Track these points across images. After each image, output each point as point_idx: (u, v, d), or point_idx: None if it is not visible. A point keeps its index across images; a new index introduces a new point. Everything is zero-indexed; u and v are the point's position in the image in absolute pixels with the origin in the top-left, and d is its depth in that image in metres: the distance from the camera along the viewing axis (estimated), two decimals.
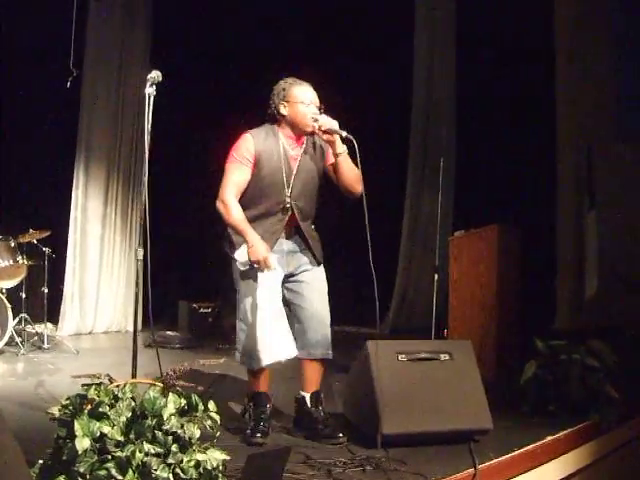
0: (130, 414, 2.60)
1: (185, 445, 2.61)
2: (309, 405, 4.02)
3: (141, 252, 3.34)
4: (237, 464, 2.96)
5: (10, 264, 6.56)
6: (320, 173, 4.08)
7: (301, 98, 3.95)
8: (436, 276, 6.15)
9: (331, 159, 4.03)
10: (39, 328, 6.86)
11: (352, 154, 3.87)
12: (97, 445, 2.53)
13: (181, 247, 8.85)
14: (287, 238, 4.01)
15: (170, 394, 2.67)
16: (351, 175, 3.95)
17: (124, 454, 2.50)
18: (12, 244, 6.63)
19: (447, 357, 4.04)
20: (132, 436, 2.56)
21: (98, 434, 2.53)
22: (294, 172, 3.97)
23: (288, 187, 3.94)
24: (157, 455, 2.54)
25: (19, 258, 6.63)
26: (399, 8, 8.57)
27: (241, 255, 3.85)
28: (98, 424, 2.53)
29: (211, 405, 2.77)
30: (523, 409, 4.56)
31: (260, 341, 3.80)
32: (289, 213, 3.96)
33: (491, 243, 5.79)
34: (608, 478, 4.47)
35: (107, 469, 2.48)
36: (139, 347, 3.47)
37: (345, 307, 6.11)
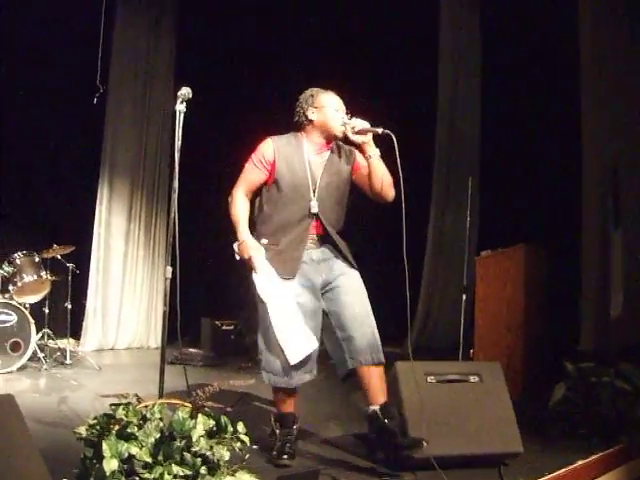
0: (159, 435, 2.57)
1: (214, 467, 2.57)
2: (382, 418, 3.77)
3: (170, 270, 3.31)
4: None
5: (34, 279, 6.59)
6: (347, 180, 4.02)
7: (330, 103, 3.94)
8: (464, 296, 6.08)
9: (361, 163, 3.97)
10: (62, 343, 6.87)
11: (386, 153, 3.80)
12: (125, 467, 2.50)
13: (204, 264, 8.82)
14: (315, 248, 3.94)
15: (199, 415, 2.63)
16: (384, 179, 3.88)
17: (152, 476, 2.47)
18: (36, 259, 6.67)
19: (477, 379, 3.99)
20: (160, 458, 2.53)
21: (126, 455, 2.50)
22: (318, 178, 3.92)
23: (313, 193, 3.89)
24: (186, 477, 2.51)
25: (43, 273, 6.66)
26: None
27: (236, 251, 3.90)
28: (126, 445, 2.50)
29: (240, 427, 2.73)
30: (552, 432, 4.48)
31: (281, 354, 3.75)
32: (314, 220, 3.90)
33: (518, 263, 5.74)
34: None
35: None
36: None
37: None
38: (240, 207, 3.95)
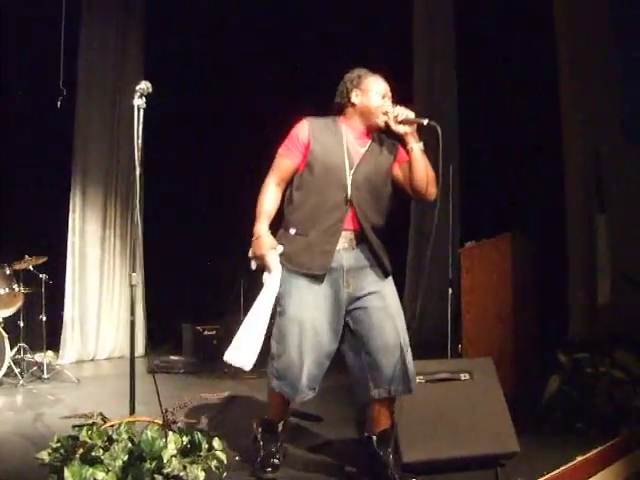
0: (126, 457, 2.37)
1: None
2: (375, 447, 3.56)
3: (134, 277, 3.07)
4: None
5: (6, 292, 6.40)
6: (387, 175, 3.65)
7: (376, 89, 3.62)
8: (450, 290, 5.89)
9: (404, 157, 3.64)
10: (39, 357, 6.67)
11: (429, 148, 3.53)
12: None
13: (184, 269, 8.66)
14: (350, 249, 3.56)
15: (170, 433, 2.43)
16: (426, 174, 3.55)
17: None
18: (7, 272, 6.48)
19: (468, 376, 3.82)
20: None
21: None
22: (354, 167, 3.57)
23: (348, 182, 3.53)
24: None
25: (15, 286, 6.47)
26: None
27: (250, 257, 3.57)
28: (91, 470, 2.30)
29: (216, 442, 2.54)
30: (548, 427, 4.32)
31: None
32: (349, 210, 3.54)
33: (505, 252, 5.57)
34: None
35: None
36: (142, 374, 3.24)
37: None
38: (266, 199, 3.58)
